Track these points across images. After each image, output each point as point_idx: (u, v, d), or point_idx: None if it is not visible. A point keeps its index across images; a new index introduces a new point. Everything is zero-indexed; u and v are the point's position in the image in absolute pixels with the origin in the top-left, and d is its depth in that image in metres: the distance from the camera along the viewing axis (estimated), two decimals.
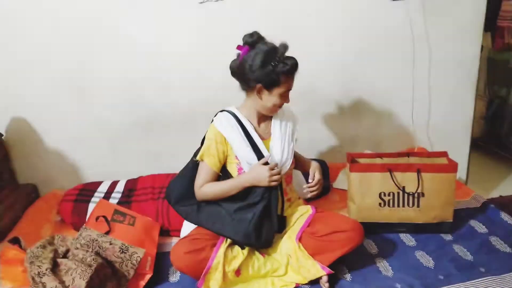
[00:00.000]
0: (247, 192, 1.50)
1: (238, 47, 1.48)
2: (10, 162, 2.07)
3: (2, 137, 2.01)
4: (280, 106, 1.52)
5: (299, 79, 2.15)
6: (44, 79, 1.98)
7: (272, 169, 1.46)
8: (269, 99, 1.48)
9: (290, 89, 1.51)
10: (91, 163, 2.16)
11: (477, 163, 2.83)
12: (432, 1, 2.12)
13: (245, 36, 1.47)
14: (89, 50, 1.96)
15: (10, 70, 1.95)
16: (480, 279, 1.41)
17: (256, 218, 1.46)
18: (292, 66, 1.44)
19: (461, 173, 2.45)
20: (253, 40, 1.45)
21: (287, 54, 1.47)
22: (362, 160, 1.77)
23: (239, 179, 1.51)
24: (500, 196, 2.49)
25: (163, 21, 1.96)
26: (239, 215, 1.48)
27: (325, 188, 2.06)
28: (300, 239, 1.51)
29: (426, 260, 1.54)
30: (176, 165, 1.73)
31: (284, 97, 1.51)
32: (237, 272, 1.45)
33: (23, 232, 1.70)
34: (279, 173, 1.47)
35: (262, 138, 1.55)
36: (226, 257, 1.44)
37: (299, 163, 1.71)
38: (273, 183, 1.45)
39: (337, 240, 1.45)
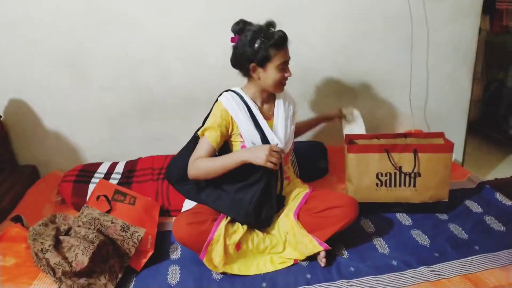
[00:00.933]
0: (247, 172, 1.50)
1: (231, 39, 1.52)
2: (9, 143, 2.08)
3: (1, 119, 2.01)
4: (282, 80, 1.53)
5: (297, 61, 2.15)
6: (44, 61, 1.98)
7: (273, 150, 1.42)
8: (267, 75, 1.50)
9: (287, 61, 1.52)
10: (91, 145, 2.17)
11: (473, 146, 2.86)
12: None
13: (232, 26, 1.52)
14: (89, 33, 1.96)
15: (10, 51, 1.95)
16: (474, 256, 1.44)
17: (256, 198, 1.48)
18: (279, 37, 1.46)
19: (458, 155, 2.48)
20: (240, 28, 1.50)
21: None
22: (359, 141, 1.79)
23: (235, 153, 1.49)
24: (496, 178, 2.52)
25: (163, 4, 1.95)
26: (239, 195, 1.51)
27: (323, 170, 2.09)
28: (297, 217, 1.53)
29: (421, 238, 1.57)
30: (175, 149, 1.73)
31: (283, 70, 1.51)
32: (238, 246, 1.47)
33: (24, 213, 1.72)
34: (278, 157, 1.42)
35: (266, 119, 1.57)
36: (226, 231, 1.46)
37: (304, 127, 1.91)
38: (269, 164, 1.39)
39: (332, 216, 1.47)
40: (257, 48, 1.46)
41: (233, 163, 1.45)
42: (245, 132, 1.52)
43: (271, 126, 1.56)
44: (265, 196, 1.51)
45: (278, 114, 1.60)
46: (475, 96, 2.87)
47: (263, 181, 1.50)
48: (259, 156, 1.40)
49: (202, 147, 1.52)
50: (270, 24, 1.51)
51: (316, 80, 2.21)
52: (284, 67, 1.52)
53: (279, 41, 1.47)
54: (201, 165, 1.49)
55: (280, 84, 1.55)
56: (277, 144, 1.50)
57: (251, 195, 1.49)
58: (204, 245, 1.42)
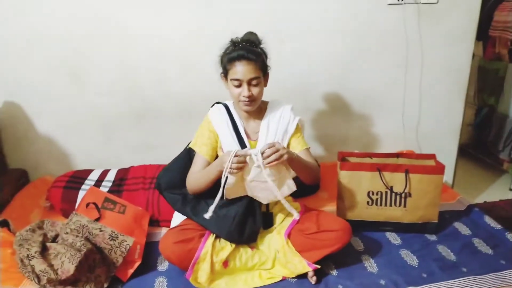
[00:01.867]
0: None
1: None
2: (0, 146, 2.06)
3: None
4: (237, 97, 1.50)
5: (294, 77, 2.18)
6: (39, 64, 1.98)
7: (237, 156, 1.35)
8: (229, 88, 1.53)
9: (242, 79, 1.46)
10: (83, 150, 2.16)
11: (463, 169, 2.90)
12: (428, 7, 2.16)
13: None
14: (85, 37, 1.97)
15: (5, 53, 1.94)
16: (462, 279, 1.45)
17: (239, 216, 1.48)
18: (236, 54, 1.45)
19: (448, 177, 2.50)
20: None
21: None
22: (352, 159, 1.80)
23: (214, 162, 1.49)
24: (485, 201, 2.55)
25: (160, 11, 1.97)
26: (222, 211, 1.49)
27: (315, 186, 2.09)
28: (289, 236, 1.53)
29: (410, 258, 1.57)
30: (169, 157, 1.74)
31: (238, 87, 1.49)
32: (225, 263, 1.47)
33: (12, 217, 1.70)
34: (241, 163, 1.35)
35: (250, 138, 1.58)
36: (214, 248, 1.46)
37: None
38: (229, 170, 1.34)
39: (326, 239, 1.47)
40: (221, 58, 1.53)
41: (213, 172, 1.46)
42: (226, 146, 1.54)
43: (253, 147, 1.55)
44: (248, 214, 1.51)
45: (261, 135, 1.57)
46: (467, 119, 2.93)
47: (246, 199, 1.50)
48: (222, 163, 1.37)
49: (196, 163, 1.56)
50: (237, 38, 1.52)
51: (312, 97, 2.23)
52: (240, 84, 1.48)
53: (233, 57, 1.46)
54: (191, 178, 1.55)
55: (239, 101, 1.51)
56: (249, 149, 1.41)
57: (234, 212, 1.48)
58: (191, 264, 1.42)
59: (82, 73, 2.02)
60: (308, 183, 1.59)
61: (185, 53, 2.05)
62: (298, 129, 1.63)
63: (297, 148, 1.60)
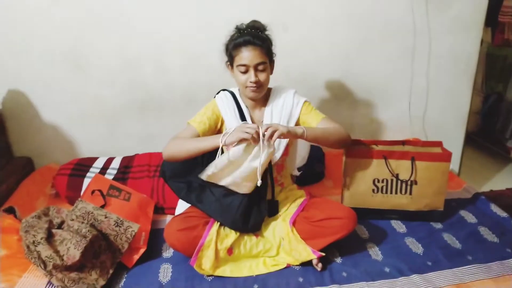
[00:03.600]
0: None
1: None
2: (6, 135, 2.07)
3: None
4: (244, 83, 1.48)
5: (299, 66, 2.16)
6: (43, 54, 1.97)
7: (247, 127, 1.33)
8: (235, 76, 1.52)
9: (249, 65, 1.45)
10: (87, 139, 2.16)
11: (470, 157, 2.87)
12: None
13: None
14: (88, 28, 1.95)
15: (9, 43, 1.94)
16: (467, 266, 1.44)
17: (244, 204, 1.47)
18: (243, 39, 1.45)
19: (454, 166, 2.48)
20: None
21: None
22: (357, 147, 1.78)
23: (213, 137, 1.41)
24: (491, 190, 2.53)
25: (162, 1, 1.95)
26: (227, 200, 1.49)
27: (320, 174, 2.09)
28: (294, 223, 1.53)
29: (415, 246, 1.57)
30: None
31: (245, 73, 1.48)
32: (229, 250, 1.47)
33: (17, 204, 1.71)
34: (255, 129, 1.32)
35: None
36: (218, 235, 1.46)
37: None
38: (245, 135, 1.30)
39: (331, 226, 1.46)
40: (226, 47, 1.52)
41: (207, 144, 1.38)
42: None
43: None
44: (253, 203, 1.50)
45: (265, 122, 1.56)
46: (474, 107, 2.89)
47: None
48: (236, 130, 1.33)
49: (186, 130, 1.50)
50: (242, 25, 1.51)
51: (318, 85, 2.21)
52: (246, 70, 1.47)
53: (239, 42, 1.46)
54: (176, 141, 1.46)
55: (246, 88, 1.50)
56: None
57: (239, 201, 1.48)
58: (195, 251, 1.42)
59: (85, 63, 2.01)
60: (338, 148, 1.59)
61: (188, 43, 2.03)
62: (308, 107, 1.60)
63: (313, 123, 1.56)
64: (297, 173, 1.82)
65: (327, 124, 1.55)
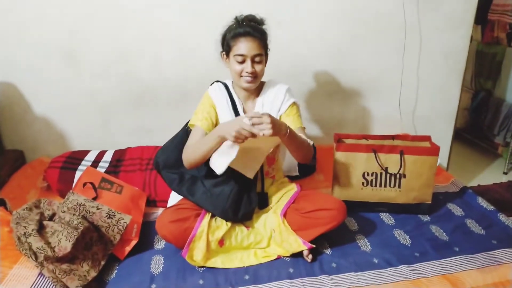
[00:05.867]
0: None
1: None
2: None
3: None
4: (240, 73, 1.50)
5: (291, 60, 2.17)
6: (35, 45, 1.96)
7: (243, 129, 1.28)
8: (230, 66, 1.54)
9: (247, 55, 1.47)
10: (80, 132, 2.15)
11: (458, 153, 2.92)
12: None
13: None
14: (81, 18, 1.94)
15: (1, 35, 1.92)
16: (453, 258, 1.47)
17: (234, 194, 1.49)
18: (243, 30, 1.48)
19: (443, 161, 2.52)
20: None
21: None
22: (348, 141, 1.81)
23: (214, 129, 1.42)
24: (479, 185, 2.57)
25: None
26: (217, 190, 1.51)
27: (311, 168, 2.11)
28: (284, 215, 1.55)
29: (403, 238, 1.59)
30: (165, 140, 1.73)
31: (241, 63, 1.49)
32: (221, 242, 1.49)
33: (8, 197, 1.70)
34: (248, 132, 1.28)
35: None
36: (209, 227, 1.48)
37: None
38: (235, 139, 1.29)
39: (321, 218, 1.49)
40: (223, 36, 1.54)
41: (212, 140, 1.38)
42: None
43: None
44: (243, 193, 1.52)
45: None
46: (463, 104, 2.93)
47: (241, 176, 1.49)
48: (229, 130, 1.30)
49: (194, 135, 1.53)
50: (240, 17, 1.53)
51: (309, 79, 2.22)
52: (243, 60, 1.49)
53: (239, 32, 1.49)
54: (190, 148, 1.49)
55: (241, 78, 1.52)
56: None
57: (229, 191, 1.50)
58: (186, 242, 1.43)
59: (78, 55, 2.00)
60: (299, 161, 1.57)
61: (182, 36, 2.03)
62: (292, 109, 1.61)
63: (291, 127, 1.56)
64: (296, 172, 1.84)
65: (302, 135, 1.54)
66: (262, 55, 1.51)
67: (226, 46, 1.53)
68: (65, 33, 1.96)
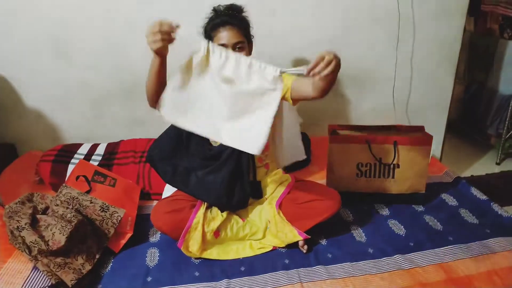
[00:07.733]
0: (215, 155, 1.50)
1: None
2: None
3: None
4: None
5: (285, 51, 2.15)
6: (25, 37, 1.93)
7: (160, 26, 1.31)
8: None
9: (227, 44, 1.45)
10: (72, 125, 2.13)
11: (452, 145, 2.93)
12: None
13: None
14: (72, 9, 1.91)
15: None
16: (447, 247, 1.48)
17: (227, 180, 1.48)
18: (220, 20, 1.47)
19: (436, 152, 2.53)
20: None
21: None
22: (342, 132, 1.81)
23: None
24: (472, 175, 2.59)
25: None
26: (209, 177, 1.50)
27: (306, 159, 2.11)
28: (280, 206, 1.55)
29: (398, 228, 1.60)
30: (158, 132, 1.71)
31: None
32: (216, 233, 1.48)
33: (1, 191, 1.69)
34: (164, 32, 1.32)
35: None
36: (205, 218, 1.47)
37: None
38: (152, 44, 1.33)
39: (316, 208, 1.49)
40: (204, 28, 1.52)
41: (153, 60, 1.44)
42: None
43: None
44: (236, 180, 1.51)
45: None
46: (456, 96, 2.93)
47: (231, 163, 1.48)
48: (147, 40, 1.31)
49: None
50: (229, 7, 1.51)
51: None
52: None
53: (217, 23, 1.47)
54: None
55: None
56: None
57: (221, 177, 1.49)
58: (182, 233, 1.43)
59: (68, 47, 1.97)
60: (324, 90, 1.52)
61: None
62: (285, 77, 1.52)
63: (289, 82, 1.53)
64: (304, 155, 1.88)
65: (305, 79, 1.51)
66: (243, 42, 1.49)
67: (208, 37, 1.51)
68: (55, 24, 1.92)
